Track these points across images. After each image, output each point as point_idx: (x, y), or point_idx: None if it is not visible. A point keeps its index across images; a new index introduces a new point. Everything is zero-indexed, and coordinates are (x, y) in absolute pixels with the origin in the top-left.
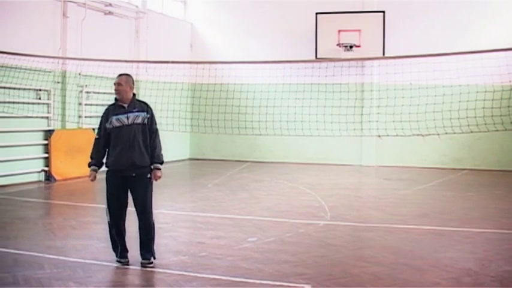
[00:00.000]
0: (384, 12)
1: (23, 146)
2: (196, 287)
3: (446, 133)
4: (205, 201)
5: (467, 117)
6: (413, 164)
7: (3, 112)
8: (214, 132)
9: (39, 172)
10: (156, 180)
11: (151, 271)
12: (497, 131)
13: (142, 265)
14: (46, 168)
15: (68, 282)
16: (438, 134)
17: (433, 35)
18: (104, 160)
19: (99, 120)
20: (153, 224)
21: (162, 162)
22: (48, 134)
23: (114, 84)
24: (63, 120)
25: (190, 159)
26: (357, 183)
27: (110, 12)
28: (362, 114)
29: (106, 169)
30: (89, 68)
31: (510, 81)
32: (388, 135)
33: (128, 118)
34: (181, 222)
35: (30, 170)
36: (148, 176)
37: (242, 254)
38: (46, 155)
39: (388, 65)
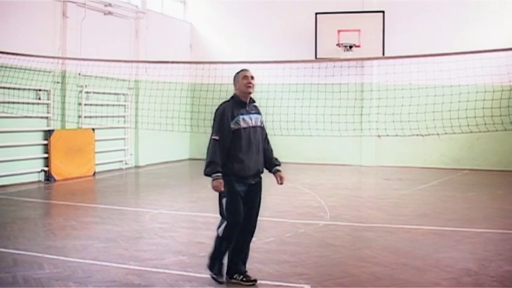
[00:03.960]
0: (383, 12)
1: (23, 146)
2: (196, 287)
3: (446, 133)
4: (205, 201)
5: (467, 117)
6: (413, 164)
7: (3, 112)
8: None
9: (39, 172)
10: (282, 183)
11: (151, 271)
12: (497, 131)
13: (253, 281)
14: (46, 168)
15: (68, 282)
16: (438, 134)
17: (432, 35)
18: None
19: (99, 120)
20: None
21: (280, 164)
22: (48, 134)
23: (248, 77)
24: (62, 120)
25: (190, 159)
26: (357, 183)
27: (110, 12)
28: (362, 114)
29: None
30: (89, 68)
31: (510, 81)
32: (387, 135)
33: (251, 119)
34: (181, 222)
35: (30, 170)
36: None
37: None
38: (46, 155)
39: (388, 65)
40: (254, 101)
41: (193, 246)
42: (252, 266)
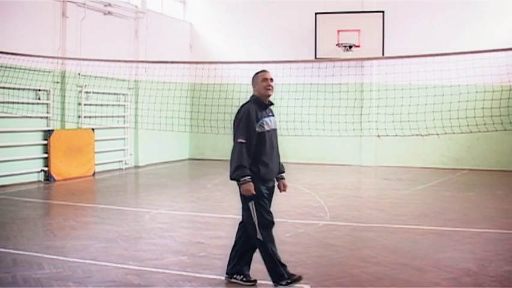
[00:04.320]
0: (383, 12)
1: (23, 146)
2: (195, 287)
3: (445, 133)
4: (204, 201)
5: (466, 117)
6: (412, 164)
7: (2, 112)
8: (213, 132)
9: (38, 172)
10: (285, 191)
11: (150, 271)
12: (496, 131)
13: (249, 280)
14: (45, 168)
15: (68, 283)
16: (438, 134)
17: (432, 35)
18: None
19: (98, 120)
20: None
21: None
22: (47, 134)
23: (268, 79)
24: (62, 120)
25: (189, 159)
26: (357, 183)
27: (109, 12)
28: (361, 114)
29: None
30: (88, 68)
31: (510, 81)
32: (387, 136)
33: (270, 121)
34: (180, 222)
35: (29, 170)
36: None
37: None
38: (45, 155)
39: (388, 65)
40: (273, 103)
41: (193, 246)
42: (252, 266)
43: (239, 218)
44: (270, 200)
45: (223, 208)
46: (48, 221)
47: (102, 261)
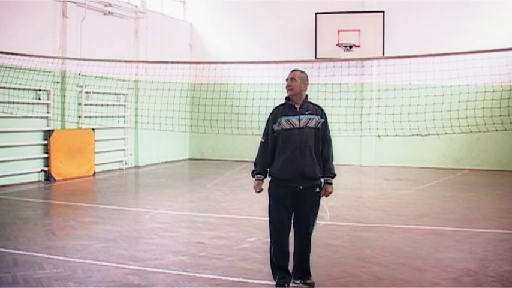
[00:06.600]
0: (383, 12)
1: (23, 146)
2: (195, 287)
3: (445, 133)
4: (204, 201)
5: (466, 117)
6: (412, 164)
7: (2, 112)
8: (213, 132)
9: (38, 172)
10: (326, 196)
11: (151, 271)
12: (496, 131)
13: (309, 284)
14: (46, 168)
15: (68, 282)
16: (438, 134)
17: (432, 35)
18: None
19: (99, 120)
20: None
21: (334, 176)
22: (47, 134)
23: (287, 79)
24: (62, 121)
25: (189, 159)
26: (357, 183)
27: (110, 13)
28: (362, 114)
29: (269, 178)
30: (89, 68)
31: (510, 81)
32: (387, 136)
33: (299, 121)
34: (180, 222)
35: (29, 170)
36: (317, 190)
37: (242, 254)
38: (46, 155)
39: (388, 65)
40: (315, 105)
41: (193, 246)
42: (252, 266)
43: (239, 217)
44: (297, 204)
45: (223, 208)
46: (48, 221)
47: (102, 261)
